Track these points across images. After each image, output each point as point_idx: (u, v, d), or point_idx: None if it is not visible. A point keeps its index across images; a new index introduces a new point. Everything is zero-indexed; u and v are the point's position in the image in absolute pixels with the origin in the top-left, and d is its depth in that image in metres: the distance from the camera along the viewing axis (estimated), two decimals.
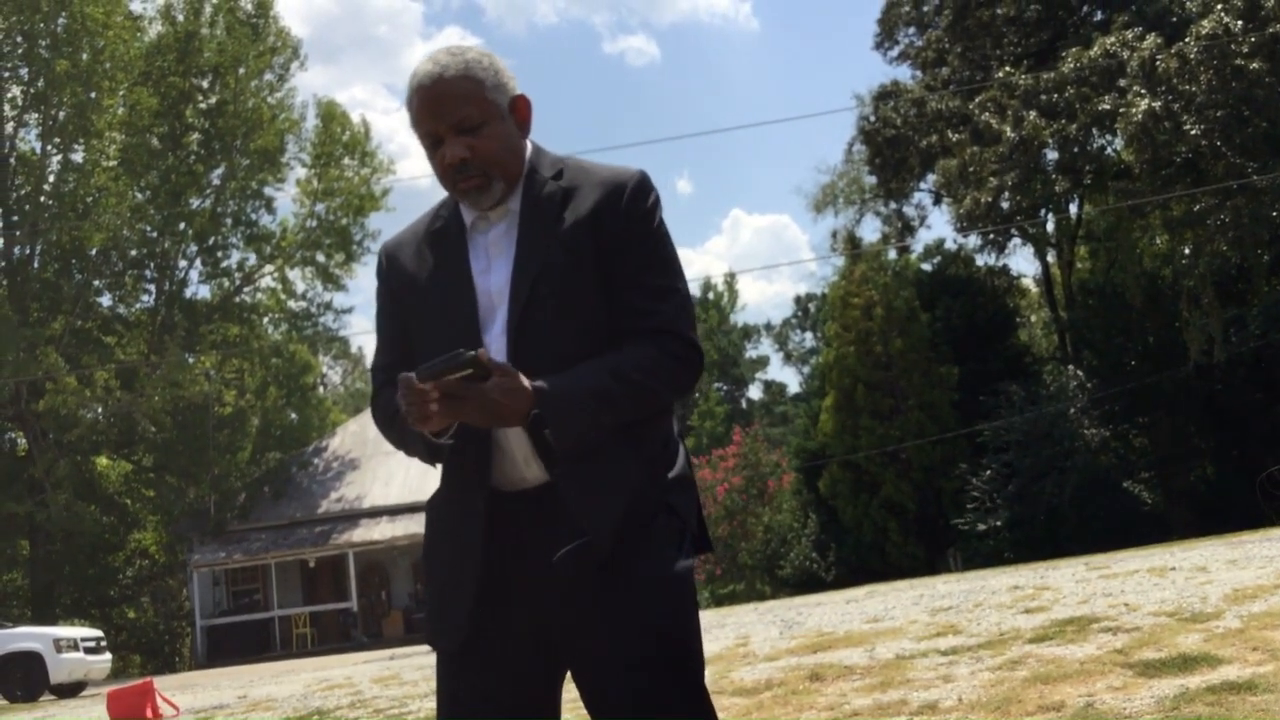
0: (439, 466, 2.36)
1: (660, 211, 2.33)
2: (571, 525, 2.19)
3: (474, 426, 2.17)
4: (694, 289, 67.26)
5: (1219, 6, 30.69)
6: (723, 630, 11.87)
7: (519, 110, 2.34)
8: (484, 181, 2.27)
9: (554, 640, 2.26)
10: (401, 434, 2.30)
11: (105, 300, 40.35)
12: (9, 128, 36.46)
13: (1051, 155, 35.14)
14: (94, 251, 36.95)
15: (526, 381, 2.10)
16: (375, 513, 34.46)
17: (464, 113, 2.25)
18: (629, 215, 2.27)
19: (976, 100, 36.14)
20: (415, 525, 33.31)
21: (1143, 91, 30.82)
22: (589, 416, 2.14)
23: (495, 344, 2.24)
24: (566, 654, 2.27)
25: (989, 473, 34.47)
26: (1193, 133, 29.86)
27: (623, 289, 2.24)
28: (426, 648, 22.18)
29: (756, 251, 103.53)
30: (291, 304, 42.34)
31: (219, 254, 40.80)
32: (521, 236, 2.28)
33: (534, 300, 2.23)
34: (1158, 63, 30.70)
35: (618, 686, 2.19)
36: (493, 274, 2.29)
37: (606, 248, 2.25)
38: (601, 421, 2.17)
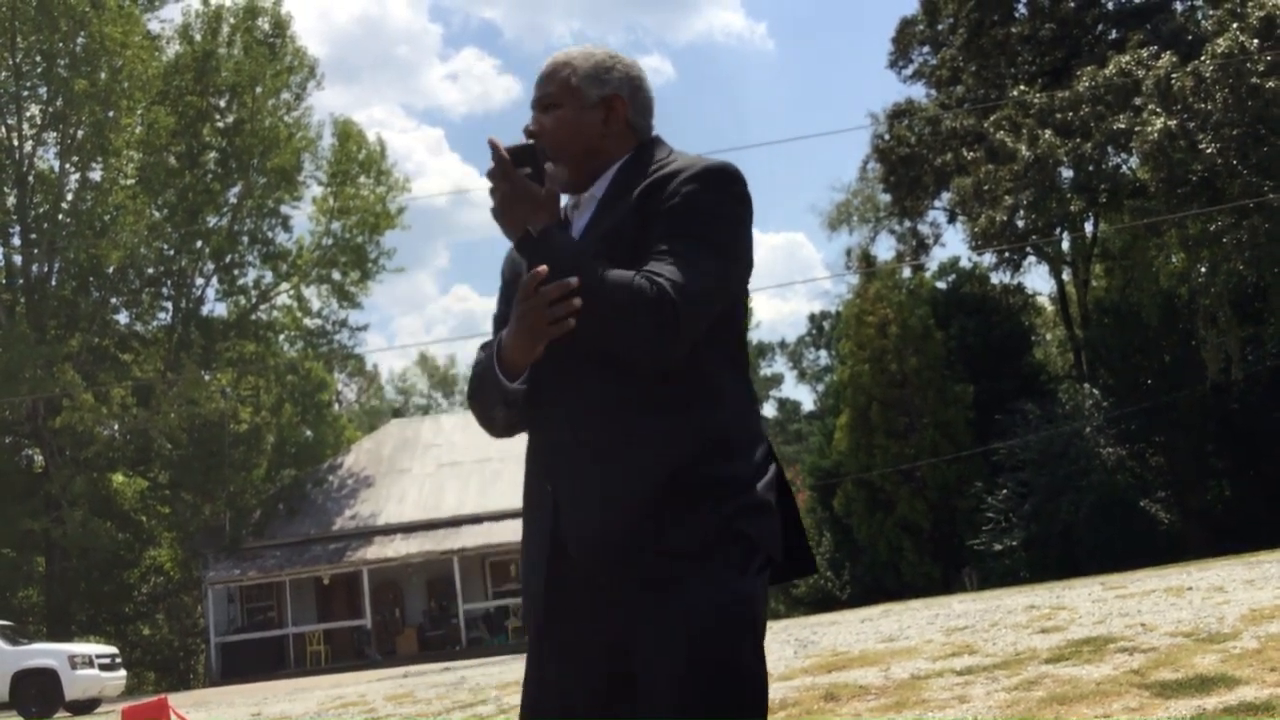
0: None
1: (723, 197, 2.36)
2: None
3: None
4: None
5: (1234, 25, 30.66)
6: None
7: (613, 106, 2.47)
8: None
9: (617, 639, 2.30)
10: (481, 383, 2.41)
11: (122, 318, 40.54)
12: (28, 146, 36.70)
13: (1067, 174, 35.10)
14: (111, 269, 37.11)
15: (547, 211, 2.29)
16: (389, 530, 34.45)
17: (545, 90, 2.48)
18: (676, 193, 2.33)
19: (991, 119, 36.13)
20: (429, 543, 33.30)
21: (1158, 110, 30.78)
22: (560, 272, 2.18)
23: None
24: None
25: (1004, 492, 34.35)
26: (1208, 151, 29.80)
27: (644, 254, 2.28)
28: (440, 666, 22.19)
29: (771, 269, 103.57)
30: (307, 322, 42.44)
31: (235, 272, 40.95)
32: (592, 219, 2.42)
33: None
34: (1173, 81, 30.67)
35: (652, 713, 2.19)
36: None
37: (648, 220, 2.33)
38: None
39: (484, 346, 2.48)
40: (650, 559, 2.22)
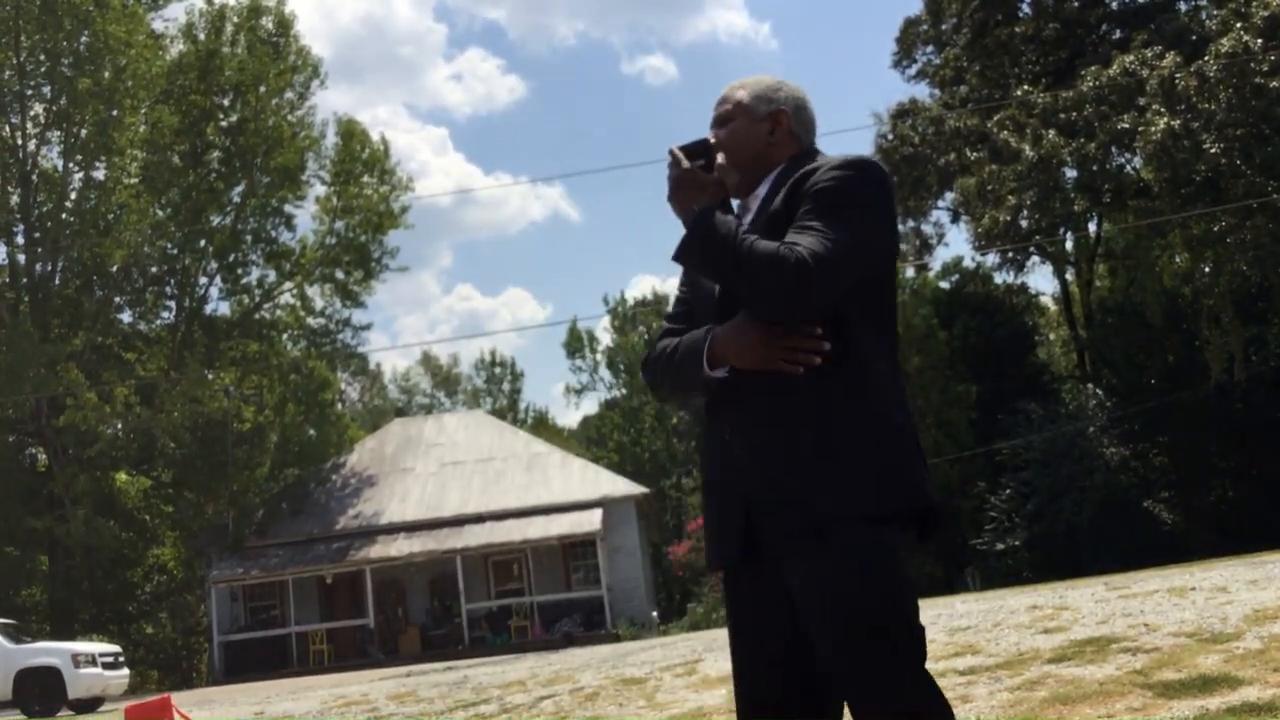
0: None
1: (859, 183, 2.67)
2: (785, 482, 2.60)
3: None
4: None
5: (1238, 25, 30.62)
6: None
7: (778, 120, 2.90)
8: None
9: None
10: (678, 371, 2.76)
11: (126, 317, 40.55)
12: (31, 145, 36.72)
13: (1070, 173, 35.06)
14: (115, 268, 37.12)
15: (712, 195, 2.69)
16: (392, 529, 34.47)
17: (723, 109, 2.93)
18: (819, 181, 2.67)
19: (995, 118, 36.10)
20: (432, 542, 33.32)
21: (1162, 110, 30.75)
22: (713, 243, 2.59)
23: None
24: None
25: (1007, 492, 34.32)
26: (1212, 151, 29.77)
27: (789, 231, 2.61)
28: (443, 665, 22.24)
29: None
30: (310, 321, 42.43)
31: (239, 271, 40.94)
32: (756, 214, 2.79)
33: None
34: (1177, 81, 30.63)
35: (823, 657, 2.55)
36: None
37: (798, 204, 2.67)
38: (713, 259, 2.62)
39: (670, 319, 2.95)
40: (816, 508, 2.54)
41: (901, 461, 2.62)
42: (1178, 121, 30.18)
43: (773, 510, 2.59)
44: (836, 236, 2.54)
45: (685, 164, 2.71)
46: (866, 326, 2.65)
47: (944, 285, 43.67)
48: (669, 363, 2.79)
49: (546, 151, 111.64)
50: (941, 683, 6.89)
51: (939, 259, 45.36)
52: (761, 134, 2.87)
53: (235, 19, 39.86)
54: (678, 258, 2.70)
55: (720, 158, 2.77)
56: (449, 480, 36.36)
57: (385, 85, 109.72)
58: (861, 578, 2.50)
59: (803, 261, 2.48)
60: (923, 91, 43.39)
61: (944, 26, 42.19)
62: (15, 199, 36.31)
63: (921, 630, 2.56)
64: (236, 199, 40.04)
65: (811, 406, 2.59)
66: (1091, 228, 39.95)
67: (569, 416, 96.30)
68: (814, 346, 2.54)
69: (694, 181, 2.69)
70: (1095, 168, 34.05)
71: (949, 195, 40.55)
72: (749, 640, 2.71)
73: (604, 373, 68.16)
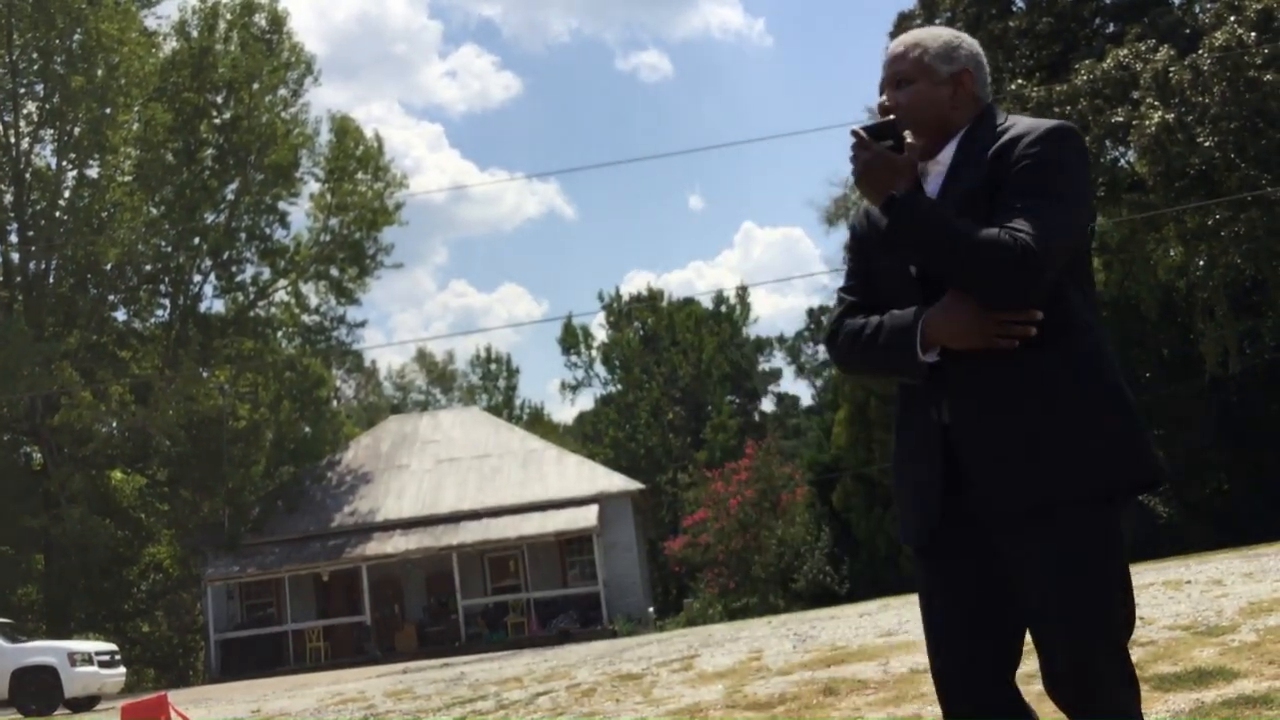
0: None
1: (1065, 153, 2.63)
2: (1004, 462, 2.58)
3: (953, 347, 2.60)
4: (705, 302, 67.24)
5: (1232, 18, 30.62)
6: (736, 644, 11.84)
7: (961, 81, 2.78)
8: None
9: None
10: (883, 353, 2.70)
11: (120, 315, 40.50)
12: (25, 143, 36.66)
13: None
14: (109, 266, 37.07)
15: (908, 176, 2.61)
16: (388, 526, 34.46)
17: (898, 68, 2.78)
18: (1025, 154, 2.61)
19: None
20: (429, 538, 33.32)
21: (1156, 103, 30.74)
22: (927, 230, 2.55)
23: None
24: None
25: None
26: (1206, 145, 29.77)
27: (1001, 209, 2.56)
28: (440, 662, 22.24)
29: (769, 264, 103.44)
30: (305, 318, 42.42)
31: (233, 268, 40.92)
32: (946, 183, 2.70)
33: None
34: (1171, 74, 30.63)
35: (1034, 622, 2.60)
36: None
37: (1000, 180, 2.61)
38: (931, 247, 2.56)
39: (848, 292, 2.86)
40: (1048, 488, 2.53)
41: (1129, 431, 2.61)
42: (1172, 115, 30.17)
43: (998, 489, 2.57)
44: (1055, 217, 2.53)
45: (875, 146, 2.63)
46: (1077, 290, 2.66)
47: None
48: (869, 344, 2.72)
49: (541, 148, 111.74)
50: None
51: None
52: (944, 97, 2.76)
53: (228, 16, 39.81)
54: (885, 245, 2.67)
55: (908, 136, 2.67)
56: (445, 477, 36.35)
57: (380, 82, 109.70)
58: (1089, 557, 2.53)
59: (1028, 249, 2.45)
60: None
61: (937, 21, 42.17)
62: (9, 197, 36.27)
63: (1134, 604, 2.65)
64: (230, 196, 40.00)
65: (1036, 381, 2.57)
66: None
67: (564, 413, 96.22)
68: (1029, 318, 2.51)
69: (888, 165, 2.61)
70: (1089, 161, 34.04)
71: None
72: (952, 611, 2.71)
73: (599, 369, 68.20)
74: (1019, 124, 2.71)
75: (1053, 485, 2.53)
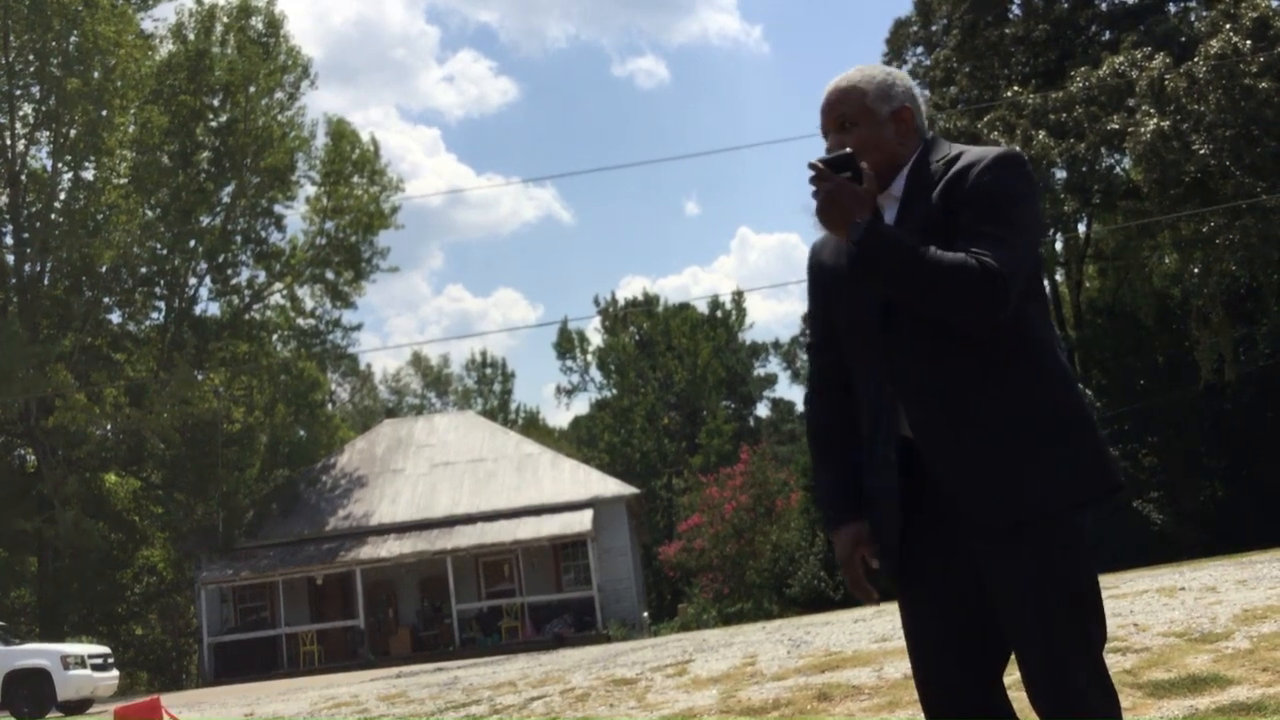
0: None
1: (1015, 181, 2.70)
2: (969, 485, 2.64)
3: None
4: (701, 307, 67.28)
5: (1227, 26, 30.71)
6: (730, 649, 11.84)
7: (901, 117, 2.85)
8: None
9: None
10: (818, 494, 3.01)
11: (115, 317, 40.46)
12: (20, 145, 36.63)
13: (1060, 174, 35.12)
14: (104, 269, 37.03)
15: (869, 206, 2.64)
16: (383, 530, 34.41)
17: (840, 111, 2.85)
18: (976, 182, 2.68)
19: (985, 119, 36.14)
20: (423, 543, 33.27)
21: (1151, 111, 30.82)
22: (898, 255, 2.59)
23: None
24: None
25: None
26: (1201, 152, 29.85)
27: (961, 236, 2.62)
28: (434, 666, 22.18)
29: (765, 270, 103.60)
30: (300, 321, 42.39)
31: (229, 271, 40.89)
32: (900, 214, 2.76)
33: None
34: (1166, 82, 30.71)
35: (1018, 639, 2.63)
36: None
37: (955, 208, 2.67)
38: (900, 273, 2.59)
39: (813, 349, 3.01)
40: (1019, 503, 2.59)
41: (1094, 443, 2.68)
42: (1167, 122, 30.25)
43: (975, 506, 2.62)
44: (1015, 240, 2.60)
45: (835, 178, 2.67)
46: (1034, 305, 2.73)
47: None
48: (816, 475, 2.97)
49: (538, 153, 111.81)
50: None
51: None
52: (889, 135, 2.83)
53: (225, 19, 39.82)
54: (855, 274, 2.70)
55: (864, 166, 2.72)
56: (439, 481, 36.32)
57: (378, 87, 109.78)
58: (1063, 568, 2.59)
59: (995, 272, 2.52)
60: None
61: (934, 28, 42.24)
62: (4, 199, 36.24)
63: (1104, 612, 2.69)
64: (226, 199, 39.99)
65: (999, 400, 2.64)
66: (1081, 228, 40.03)
67: (560, 417, 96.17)
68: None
69: (849, 195, 2.65)
70: (1085, 169, 34.12)
71: None
72: (929, 624, 2.77)
73: (595, 373, 68.22)
74: (967, 153, 2.77)
75: (1029, 501, 2.59)
